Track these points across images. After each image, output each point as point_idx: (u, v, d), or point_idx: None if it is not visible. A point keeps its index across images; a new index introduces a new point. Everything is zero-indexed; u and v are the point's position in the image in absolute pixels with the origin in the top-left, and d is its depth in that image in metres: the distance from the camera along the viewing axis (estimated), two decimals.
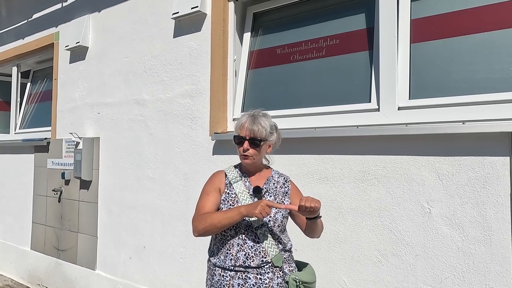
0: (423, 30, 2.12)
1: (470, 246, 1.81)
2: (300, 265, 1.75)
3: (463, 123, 1.83)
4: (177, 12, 2.87)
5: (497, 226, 1.75)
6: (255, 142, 1.63)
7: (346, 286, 2.15)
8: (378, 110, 2.14)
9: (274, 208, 1.63)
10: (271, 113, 2.40)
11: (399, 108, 2.08)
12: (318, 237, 1.77)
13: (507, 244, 1.72)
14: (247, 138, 1.63)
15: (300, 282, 1.59)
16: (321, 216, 1.63)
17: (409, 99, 2.08)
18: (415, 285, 1.94)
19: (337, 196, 2.20)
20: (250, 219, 1.58)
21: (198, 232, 1.60)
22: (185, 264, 2.89)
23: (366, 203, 2.10)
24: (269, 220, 1.61)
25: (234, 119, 2.74)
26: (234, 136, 1.67)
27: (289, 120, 2.44)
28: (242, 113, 1.74)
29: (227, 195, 1.66)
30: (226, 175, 1.72)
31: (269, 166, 1.81)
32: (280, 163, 2.34)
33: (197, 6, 2.76)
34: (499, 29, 1.90)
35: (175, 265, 2.94)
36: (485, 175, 1.78)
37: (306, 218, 1.62)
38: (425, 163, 1.94)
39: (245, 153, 1.63)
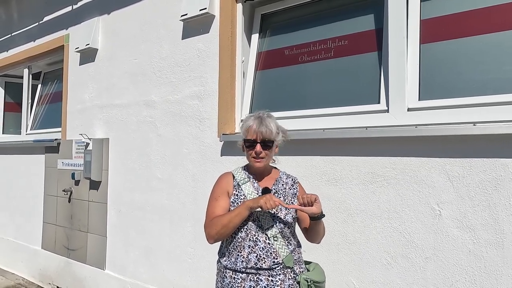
0: (433, 30, 2.10)
1: (481, 249, 1.78)
2: (308, 265, 1.75)
3: (474, 125, 1.81)
4: (186, 14, 2.88)
5: (509, 229, 1.72)
6: (267, 144, 1.63)
7: None
8: (387, 111, 2.13)
9: (284, 209, 1.64)
10: (279, 114, 2.42)
11: (408, 109, 2.06)
12: (318, 243, 1.77)
13: None
14: (259, 141, 1.62)
15: (312, 282, 1.60)
16: (324, 215, 1.63)
17: (419, 100, 2.06)
18: None
19: (346, 198, 2.19)
20: (258, 214, 1.59)
21: (213, 238, 1.60)
22: (193, 264, 2.90)
23: (375, 204, 2.09)
24: (279, 222, 1.62)
25: (242, 120, 2.74)
26: (244, 140, 1.67)
27: (297, 121, 2.44)
28: (246, 116, 1.73)
29: (236, 197, 1.67)
30: (234, 177, 1.73)
31: (276, 167, 1.81)
32: (288, 164, 2.34)
33: (205, 8, 2.77)
34: (509, 29, 1.88)
35: (184, 266, 2.96)
36: (497, 177, 1.76)
37: (310, 218, 1.63)
38: (435, 165, 1.92)
39: (258, 156, 1.63)
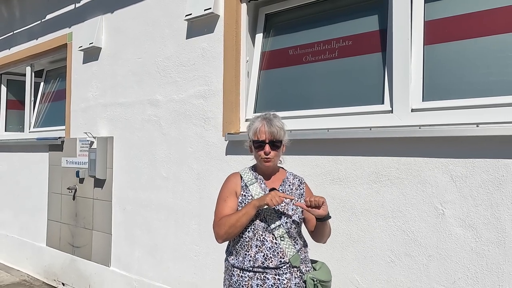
0: (437, 31, 2.12)
1: (483, 247, 1.83)
2: (314, 264, 1.79)
3: (477, 126, 1.84)
4: (190, 14, 2.90)
5: (511, 228, 1.76)
6: (276, 145, 1.66)
7: (359, 285, 2.18)
8: (391, 112, 2.16)
9: (291, 210, 1.67)
10: (284, 114, 2.44)
11: (412, 110, 2.09)
12: (324, 242, 1.80)
13: None
14: (267, 141, 1.65)
15: (318, 281, 1.63)
16: (330, 217, 1.67)
17: (423, 101, 2.09)
18: (428, 285, 1.96)
19: (350, 197, 2.23)
20: (265, 214, 1.63)
21: (221, 238, 1.64)
22: (198, 261, 2.94)
23: (379, 204, 2.12)
24: (286, 222, 1.65)
25: (247, 120, 2.77)
26: (253, 141, 1.69)
27: (302, 121, 2.47)
28: (253, 117, 1.76)
29: (244, 198, 1.70)
30: (241, 177, 1.76)
31: (282, 167, 1.84)
32: (293, 164, 2.37)
33: (210, 8, 2.79)
34: None
35: (189, 263, 3.00)
36: (499, 177, 1.79)
37: (317, 219, 1.66)
38: (438, 165, 1.95)
39: (267, 157, 1.66)
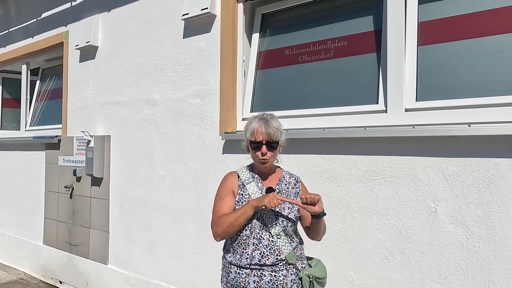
0: (431, 32, 2.16)
1: (474, 244, 1.87)
2: (310, 261, 1.83)
3: (468, 125, 1.88)
4: (187, 13, 2.92)
5: (501, 225, 1.81)
6: (273, 145, 1.69)
7: (354, 282, 2.22)
8: (385, 111, 2.20)
9: (287, 208, 1.71)
10: (280, 113, 2.47)
11: (406, 110, 2.13)
12: (319, 240, 1.83)
13: (511, 243, 1.79)
14: (264, 142, 1.68)
15: (313, 277, 1.67)
16: (325, 214, 1.71)
17: (416, 101, 2.13)
18: (421, 281, 2.01)
19: (345, 195, 2.27)
20: (262, 213, 1.66)
21: (219, 236, 1.67)
22: (195, 259, 2.98)
23: (374, 202, 2.17)
24: (282, 220, 1.69)
25: (243, 119, 2.80)
26: (250, 141, 1.72)
27: (297, 121, 2.50)
28: (251, 117, 1.79)
29: (241, 196, 1.73)
30: (238, 176, 1.79)
31: (279, 166, 1.88)
32: (289, 163, 2.41)
33: (207, 8, 2.80)
34: (506, 32, 1.95)
35: (186, 261, 3.03)
36: (490, 176, 1.84)
37: (312, 216, 1.70)
38: (431, 164, 2.00)
39: (264, 157, 1.69)
